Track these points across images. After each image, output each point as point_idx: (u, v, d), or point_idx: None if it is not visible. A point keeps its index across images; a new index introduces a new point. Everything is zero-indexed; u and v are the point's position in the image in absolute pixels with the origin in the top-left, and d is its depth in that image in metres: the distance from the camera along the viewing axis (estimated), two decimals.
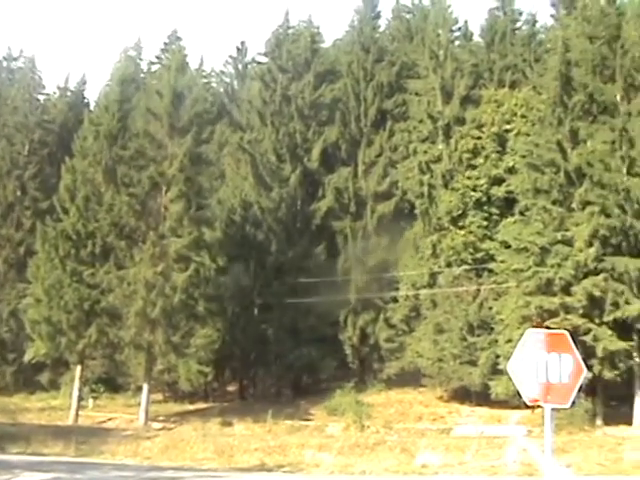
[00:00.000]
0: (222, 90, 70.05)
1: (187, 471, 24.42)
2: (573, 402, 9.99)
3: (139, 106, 49.75)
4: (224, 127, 58.29)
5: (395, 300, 47.99)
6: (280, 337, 47.50)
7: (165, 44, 70.73)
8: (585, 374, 10.38)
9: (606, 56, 40.65)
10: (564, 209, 38.91)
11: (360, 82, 53.03)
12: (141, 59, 75.05)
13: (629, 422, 37.27)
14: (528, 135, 43.15)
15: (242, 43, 70.75)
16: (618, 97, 40.03)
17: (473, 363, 42.44)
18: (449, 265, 44.93)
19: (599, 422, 37.70)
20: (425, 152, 48.52)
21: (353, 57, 55.34)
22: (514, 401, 34.58)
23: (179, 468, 25.24)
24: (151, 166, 43.81)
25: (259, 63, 65.66)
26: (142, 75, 70.72)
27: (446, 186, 46.46)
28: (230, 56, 71.19)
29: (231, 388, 52.80)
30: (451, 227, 45.48)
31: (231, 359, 48.90)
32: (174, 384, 47.39)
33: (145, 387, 42.59)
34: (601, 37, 41.10)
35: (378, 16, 60.86)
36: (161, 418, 43.52)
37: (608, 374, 36.95)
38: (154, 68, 71.20)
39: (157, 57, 71.96)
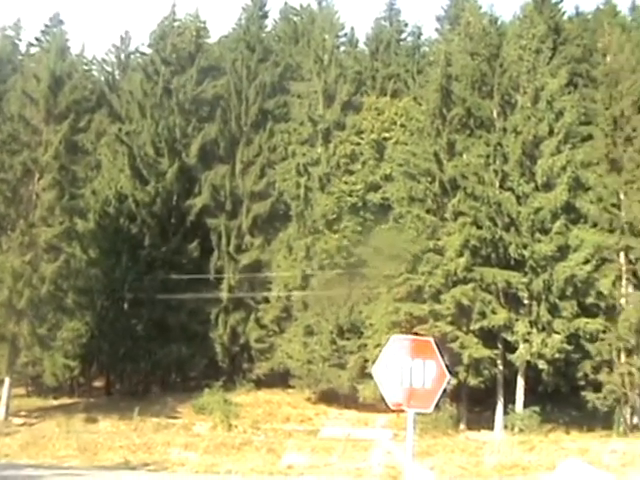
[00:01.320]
0: (103, 79, 68.04)
1: (47, 469, 23.67)
2: (438, 407, 10.11)
3: (15, 88, 48.03)
4: (103, 117, 56.72)
5: (267, 300, 47.88)
6: (150, 333, 46.61)
7: (46, 26, 68.08)
8: (448, 380, 10.54)
9: (485, 73, 41.98)
10: (437, 218, 39.92)
11: (243, 80, 52.62)
12: (20, 40, 72.16)
13: (491, 427, 38.56)
14: (406, 144, 43.94)
15: (126, 32, 69.14)
16: (495, 113, 41.39)
17: (342, 366, 42.84)
18: (322, 268, 45.13)
19: (462, 427, 38.90)
20: (304, 154, 48.63)
21: (238, 55, 54.97)
22: (381, 405, 34.87)
23: (38, 466, 24.43)
24: (24, 151, 42.24)
25: (142, 54, 64.39)
26: (20, 57, 68.14)
27: (322, 189, 46.68)
28: (113, 45, 69.36)
29: (98, 384, 51.36)
30: (326, 230, 45.67)
31: (99, 354, 47.60)
32: (38, 378, 45.67)
33: (7, 380, 40.88)
34: (482, 54, 42.46)
35: (265, 16, 60.93)
36: (23, 413, 41.87)
37: (473, 381, 38.18)
38: (33, 50, 68.55)
39: (37, 39, 69.09)
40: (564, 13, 61.61)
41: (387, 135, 47.00)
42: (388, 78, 53.25)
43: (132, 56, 68.24)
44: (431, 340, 10.48)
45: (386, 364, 10.04)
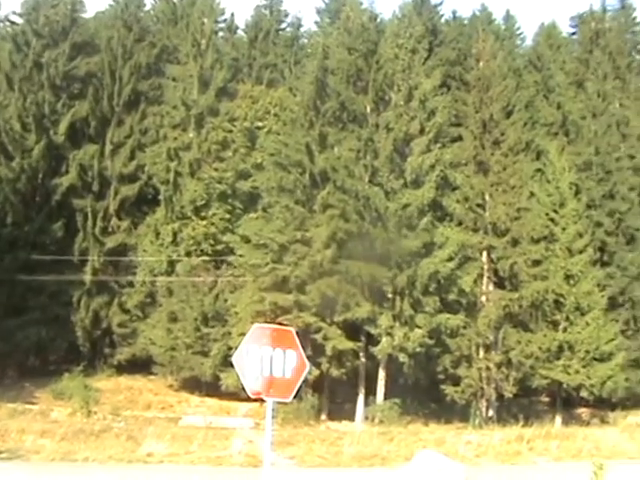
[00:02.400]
0: None
1: None
2: (300, 397, 10.05)
3: None
4: None
5: (131, 285, 46.88)
6: (8, 314, 44.84)
7: None
8: (308, 370, 10.51)
9: (361, 69, 42.28)
10: (306, 210, 39.98)
11: (118, 59, 51.10)
12: None
13: (352, 418, 39.06)
14: (279, 134, 43.72)
15: None
16: (368, 109, 41.76)
17: (205, 354, 42.42)
18: (188, 254, 44.56)
19: (324, 417, 39.33)
20: (175, 139, 47.69)
21: (114, 32, 53.30)
22: (243, 393, 34.81)
23: None
24: None
25: (13, 23, 61.65)
26: None
27: (192, 175, 45.93)
28: None
29: None
30: (193, 217, 45.04)
31: None
32: None
33: None
34: (359, 50, 42.75)
35: None
36: None
37: (335, 372, 38.53)
38: None
39: None
40: (442, 16, 63.31)
41: (260, 124, 46.81)
42: (265, 67, 53.18)
43: (1, 24, 65.40)
44: (292, 330, 10.44)
45: (247, 353, 9.95)
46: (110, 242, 47.32)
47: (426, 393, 40.99)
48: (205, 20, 51.28)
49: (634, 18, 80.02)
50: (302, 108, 42.00)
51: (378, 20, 46.91)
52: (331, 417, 39.55)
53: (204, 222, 44.64)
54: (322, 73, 42.38)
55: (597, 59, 58.53)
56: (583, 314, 41.10)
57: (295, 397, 10.52)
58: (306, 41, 58.86)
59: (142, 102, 50.73)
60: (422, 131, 40.94)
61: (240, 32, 59.49)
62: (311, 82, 42.19)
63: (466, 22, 62.74)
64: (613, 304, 45.25)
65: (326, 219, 39.07)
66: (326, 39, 47.94)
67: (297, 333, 10.48)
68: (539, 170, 45.09)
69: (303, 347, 10.39)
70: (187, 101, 48.07)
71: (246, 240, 42.15)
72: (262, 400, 10.30)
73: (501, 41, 56.84)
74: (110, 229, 48.01)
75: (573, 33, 75.80)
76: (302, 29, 60.86)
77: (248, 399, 35.57)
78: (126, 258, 46.92)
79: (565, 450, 28.06)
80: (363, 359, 39.89)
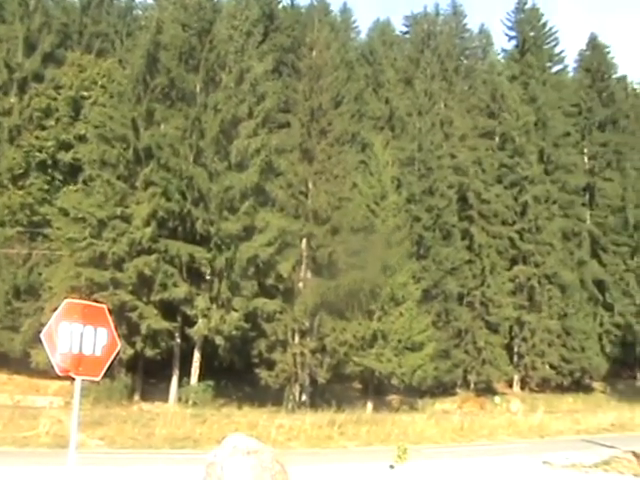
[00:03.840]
0: None
1: None
2: (113, 376, 9.84)
3: None
4: None
5: None
6: None
7: None
8: (119, 348, 10.34)
9: (194, 47, 41.73)
10: (127, 186, 39.11)
11: None
12: None
13: (165, 399, 38.70)
14: (104, 106, 42.30)
15: None
16: (198, 88, 41.32)
17: (15, 329, 40.70)
18: (2, 225, 42.39)
19: (137, 397, 38.83)
20: None
21: None
22: (53, 371, 33.84)
23: None
24: None
25: None
26: None
27: (12, 142, 43.73)
28: None
29: None
30: (10, 185, 42.96)
31: None
32: None
33: None
34: (194, 28, 42.12)
35: None
36: None
37: (150, 352, 38.03)
38: None
39: None
40: (280, 2, 63.51)
41: (86, 94, 45.13)
42: (96, 36, 51.26)
43: None
44: (104, 307, 10.22)
45: (56, 328, 9.59)
46: None
47: (240, 376, 41.25)
48: None
49: (465, 24, 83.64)
50: (131, 82, 40.97)
51: None
52: (144, 398, 39.09)
53: (21, 192, 42.66)
54: (154, 48, 41.47)
55: (427, 59, 60.76)
56: (397, 305, 42.57)
57: (107, 376, 10.32)
58: (140, 13, 57.51)
59: None
60: (250, 115, 41.02)
61: None
62: (142, 56, 41.19)
63: (303, 10, 63.39)
64: (427, 296, 47.10)
65: (148, 197, 38.38)
66: (161, 13, 47.00)
67: (110, 310, 10.27)
68: (363, 162, 46.24)
69: (117, 325, 10.18)
70: (11, 63, 45.66)
71: (64, 213, 40.63)
72: (72, 378, 10.00)
73: (336, 32, 57.79)
74: None
75: (406, 32, 78.35)
76: (137, 0, 59.46)
77: (59, 377, 34.69)
78: None
79: (374, 435, 29.05)
80: (178, 340, 39.61)
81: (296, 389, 41.47)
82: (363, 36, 76.71)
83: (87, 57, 47.48)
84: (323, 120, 43.08)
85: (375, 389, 44.33)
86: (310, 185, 42.29)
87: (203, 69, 41.16)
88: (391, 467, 20.76)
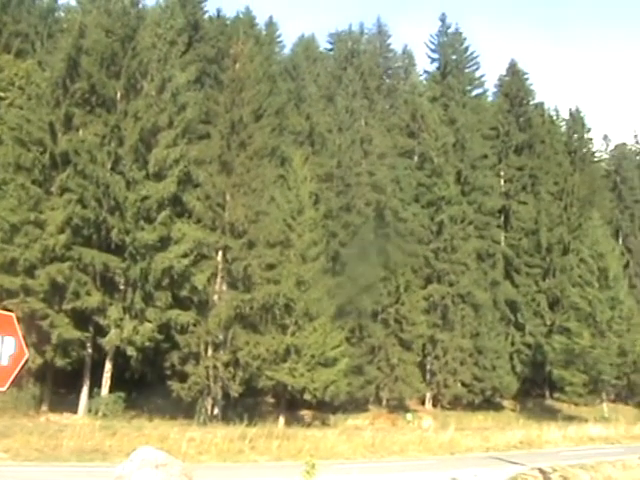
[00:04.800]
0: None
1: None
2: (20, 386, 9.60)
3: None
4: None
5: None
6: None
7: None
8: (27, 358, 10.10)
9: (117, 53, 41.18)
10: (42, 191, 38.36)
11: None
12: None
13: (75, 410, 37.92)
14: (22, 109, 41.47)
15: None
16: (118, 95, 40.82)
17: None
18: None
19: (45, 408, 37.85)
20: None
21: None
22: None
23: None
24: None
25: None
26: None
27: None
28: None
29: None
30: None
31: None
32: None
33: None
34: (117, 33, 41.55)
35: None
36: None
37: (60, 361, 37.24)
38: None
39: None
40: (206, 12, 63.48)
41: (2, 95, 44.25)
42: (15, 35, 50.35)
43: None
44: (13, 315, 9.94)
45: None
46: None
47: (152, 388, 40.68)
48: None
49: (389, 44, 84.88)
50: (50, 85, 40.20)
51: (140, 6, 45.90)
52: (52, 408, 38.12)
53: None
54: (75, 52, 40.80)
55: (349, 77, 61.32)
56: (311, 320, 42.65)
57: (15, 386, 10.10)
58: (63, 15, 56.50)
59: None
60: (170, 124, 40.78)
61: None
62: (63, 59, 40.51)
63: (229, 22, 63.32)
64: (341, 312, 47.34)
65: (63, 203, 37.70)
66: (84, 17, 46.17)
67: (19, 319, 10.04)
68: (282, 176, 46.31)
69: (27, 334, 9.97)
70: None
71: None
72: None
73: (260, 45, 57.82)
74: None
75: (330, 49, 79.04)
76: (60, 1, 58.48)
77: None
78: None
79: (285, 450, 28.82)
80: (90, 350, 38.89)
81: (208, 402, 41.14)
82: (287, 51, 77.02)
83: (5, 57, 46.55)
84: (243, 133, 43.05)
85: (287, 404, 44.28)
86: (228, 197, 42.14)
87: (124, 76, 40.70)
88: None
